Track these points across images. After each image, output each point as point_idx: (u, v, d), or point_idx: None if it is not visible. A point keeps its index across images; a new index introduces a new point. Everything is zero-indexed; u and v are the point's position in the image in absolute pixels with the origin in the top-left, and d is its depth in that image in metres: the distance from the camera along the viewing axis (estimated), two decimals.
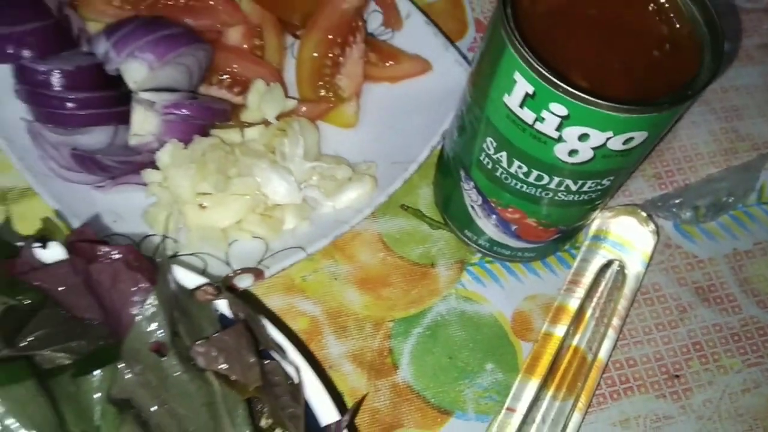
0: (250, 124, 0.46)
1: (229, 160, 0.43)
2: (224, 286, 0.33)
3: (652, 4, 0.36)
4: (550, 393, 0.41)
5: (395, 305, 0.44)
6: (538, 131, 0.34)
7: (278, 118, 0.46)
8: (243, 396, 0.31)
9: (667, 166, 0.50)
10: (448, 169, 0.43)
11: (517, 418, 0.40)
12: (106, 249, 0.30)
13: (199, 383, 0.31)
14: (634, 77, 0.34)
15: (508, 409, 0.41)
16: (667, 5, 0.35)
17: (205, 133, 0.44)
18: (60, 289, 0.32)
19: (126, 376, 0.30)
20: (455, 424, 0.41)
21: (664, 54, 0.35)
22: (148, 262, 0.30)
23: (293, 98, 0.47)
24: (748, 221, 0.48)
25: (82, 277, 0.31)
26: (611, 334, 0.43)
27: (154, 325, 0.30)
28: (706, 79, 0.33)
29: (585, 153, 0.34)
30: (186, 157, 0.42)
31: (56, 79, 0.42)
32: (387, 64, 0.49)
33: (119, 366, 0.30)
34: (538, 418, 0.40)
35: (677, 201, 0.47)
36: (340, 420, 0.32)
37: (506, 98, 0.34)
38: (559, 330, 0.42)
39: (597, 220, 0.46)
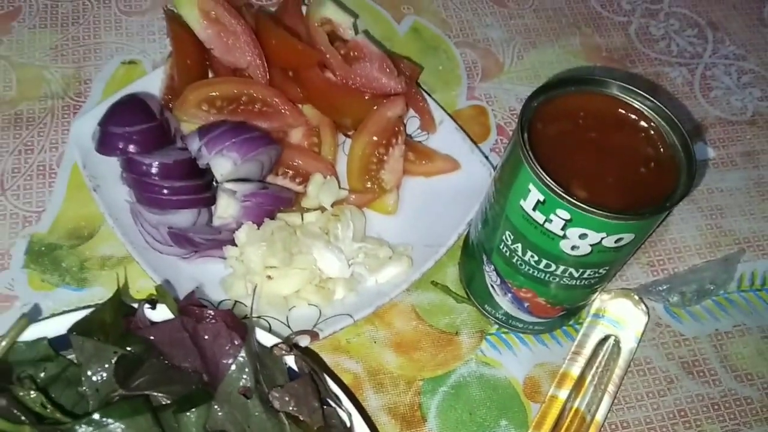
0: (309, 210, 0.55)
1: (292, 240, 0.52)
2: (292, 345, 0.41)
3: (641, 132, 0.45)
4: None
5: (425, 366, 0.52)
6: (547, 229, 0.42)
7: (332, 205, 0.55)
8: None
9: (659, 256, 0.59)
10: (472, 253, 0.52)
11: None
12: (211, 312, 0.38)
13: (275, 422, 0.39)
14: (624, 189, 0.43)
15: None
16: (652, 132, 0.44)
17: (273, 217, 0.53)
18: (164, 342, 0.41)
19: (218, 414, 0.38)
20: None
21: (649, 171, 0.44)
22: (241, 324, 0.39)
23: (344, 189, 0.56)
24: (728, 306, 0.56)
25: (188, 333, 0.39)
26: (607, 399, 0.50)
27: (243, 374, 0.38)
28: (682, 194, 0.42)
29: (584, 248, 0.42)
30: (258, 237, 0.51)
31: (156, 170, 0.51)
32: (423, 162, 0.58)
33: (213, 405, 0.39)
34: None
35: (666, 287, 0.55)
36: None
37: (522, 202, 0.43)
38: (563, 393, 0.50)
39: (597, 301, 0.54)
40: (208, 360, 0.39)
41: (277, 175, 0.57)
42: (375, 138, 0.57)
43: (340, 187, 0.56)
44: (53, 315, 0.42)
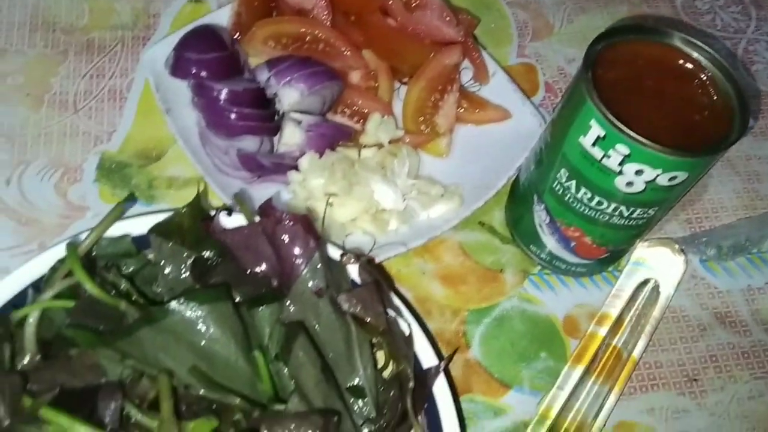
0: (366, 146, 0.58)
1: (351, 171, 0.54)
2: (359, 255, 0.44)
3: (696, 81, 0.47)
4: (591, 379, 0.51)
5: (470, 299, 0.55)
6: (604, 166, 0.45)
7: (389, 143, 0.57)
8: (371, 336, 0.42)
9: (697, 214, 0.61)
10: (521, 195, 0.55)
11: (564, 395, 0.50)
12: (289, 216, 0.41)
13: (342, 322, 0.41)
14: (679, 134, 0.45)
15: (557, 388, 0.51)
16: (708, 82, 0.47)
17: (333, 149, 0.56)
18: (239, 246, 0.44)
19: (290, 310, 0.41)
20: (514, 395, 0.51)
21: (703, 118, 0.46)
22: (315, 229, 0.42)
23: (400, 129, 0.59)
24: (761, 264, 0.59)
25: (266, 235, 0.42)
26: (644, 339, 0.53)
27: (316, 275, 0.41)
28: (734, 139, 0.44)
29: (638, 185, 0.45)
30: (320, 165, 0.54)
31: (226, 96, 0.54)
32: (475, 111, 0.61)
33: (286, 302, 0.41)
34: (581, 397, 0.50)
35: (704, 240, 0.57)
36: (438, 364, 0.43)
37: (581, 139, 0.45)
38: (602, 331, 0.53)
39: (638, 249, 0.56)
40: (283, 260, 0.42)
41: (336, 113, 0.59)
42: (432, 84, 0.60)
43: (396, 128, 0.58)
44: (135, 215, 0.44)
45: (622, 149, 0.43)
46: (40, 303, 0.36)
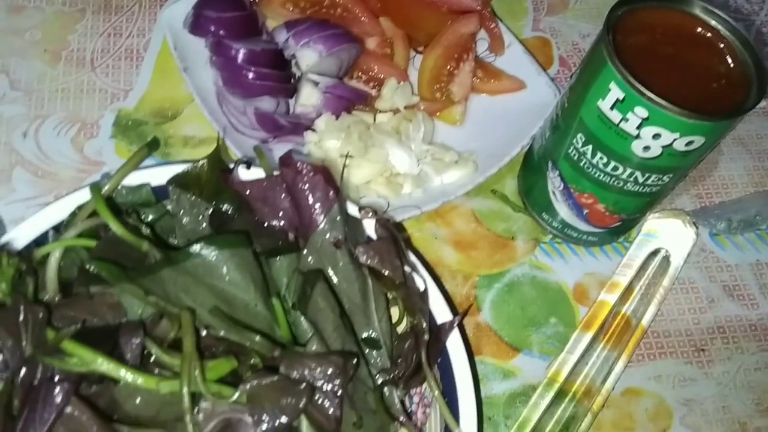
0: (382, 111, 0.58)
1: (366, 134, 0.55)
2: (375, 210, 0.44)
3: (715, 50, 0.47)
4: (600, 345, 0.51)
5: (481, 264, 0.55)
6: (621, 129, 0.45)
7: (404, 109, 0.58)
8: (387, 290, 0.42)
9: (707, 189, 0.61)
10: (534, 164, 0.55)
11: (572, 360, 0.51)
12: (310, 166, 0.41)
13: (358, 273, 0.42)
14: (696, 102, 0.45)
15: (566, 352, 0.51)
16: (726, 51, 0.47)
17: (349, 112, 0.56)
18: (258, 198, 0.44)
19: (308, 260, 0.41)
20: (523, 359, 0.52)
21: (720, 86, 0.46)
22: (335, 181, 0.42)
23: (416, 95, 0.59)
24: None
25: (286, 184, 0.42)
26: (653, 307, 0.53)
27: (335, 226, 0.41)
28: (751, 105, 0.45)
29: (655, 150, 0.45)
30: (336, 127, 0.54)
31: (244, 55, 0.54)
32: (490, 81, 0.61)
33: (303, 252, 0.42)
34: (590, 362, 0.51)
35: (715, 213, 0.58)
36: (452, 319, 0.43)
37: (600, 102, 0.45)
38: (611, 299, 0.53)
39: (649, 221, 0.57)
40: (302, 211, 0.42)
41: (352, 79, 0.59)
42: (448, 52, 0.60)
43: (412, 94, 0.59)
44: (154, 165, 0.45)
45: (641, 112, 0.43)
46: (62, 241, 0.37)
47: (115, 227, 0.37)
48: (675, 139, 0.44)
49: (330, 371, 0.34)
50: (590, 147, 0.48)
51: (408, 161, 0.55)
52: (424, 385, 0.44)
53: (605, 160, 0.48)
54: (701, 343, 0.54)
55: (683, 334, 0.54)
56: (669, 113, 0.42)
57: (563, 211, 0.54)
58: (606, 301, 0.53)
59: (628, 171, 0.47)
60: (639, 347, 0.53)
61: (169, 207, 0.45)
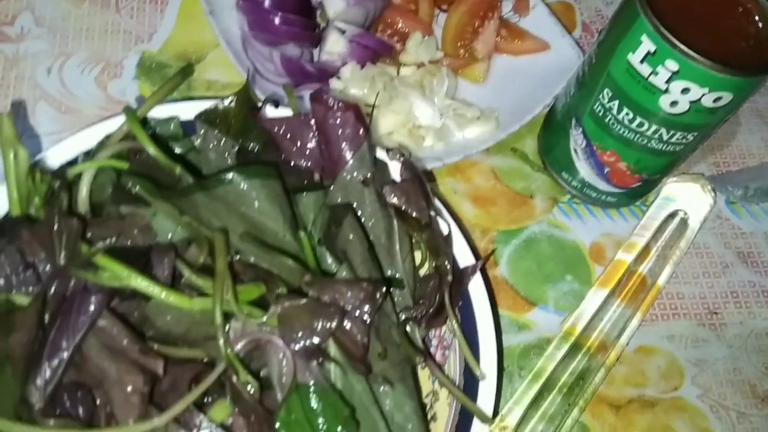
0: (405, 65, 0.58)
1: (390, 85, 0.55)
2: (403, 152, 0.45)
3: (744, 9, 0.47)
4: (615, 302, 0.52)
5: (499, 220, 0.55)
6: (650, 83, 0.45)
7: (428, 63, 0.58)
8: (414, 230, 0.42)
9: (725, 158, 0.62)
10: (557, 123, 0.55)
11: (588, 315, 0.51)
12: (341, 102, 0.41)
13: (384, 213, 0.42)
14: (725, 58, 0.45)
15: (582, 307, 0.51)
16: (755, 11, 0.47)
17: (374, 63, 0.56)
18: (285, 136, 0.44)
19: (336, 196, 0.41)
20: (538, 313, 0.52)
21: (748, 47, 0.46)
22: (365, 119, 0.42)
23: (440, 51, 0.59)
24: None
25: (316, 122, 0.42)
26: (669, 267, 0.53)
27: (363, 163, 0.41)
28: None
29: (683, 105, 0.45)
30: (361, 76, 0.54)
31: (271, 0, 0.54)
32: (514, 41, 0.61)
33: (331, 188, 0.42)
34: (605, 318, 0.51)
35: (732, 179, 0.58)
36: (475, 263, 0.43)
37: (630, 56, 0.46)
38: (628, 258, 0.53)
39: (667, 185, 0.57)
40: (331, 147, 0.42)
41: (376, 32, 0.59)
42: (473, 8, 0.60)
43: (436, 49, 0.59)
44: (182, 99, 0.45)
45: (671, 65, 0.43)
46: (95, 161, 0.37)
47: (150, 147, 0.37)
48: (703, 95, 0.44)
49: (361, 296, 0.34)
50: (616, 102, 0.48)
51: (431, 114, 0.55)
52: (444, 328, 0.44)
53: (631, 115, 0.48)
54: (714, 307, 0.54)
55: (697, 297, 0.55)
56: (700, 66, 0.43)
57: (584, 169, 0.54)
58: (623, 260, 0.53)
59: (654, 127, 0.48)
60: (653, 307, 0.53)
61: (196, 143, 0.45)
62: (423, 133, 0.55)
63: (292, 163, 0.44)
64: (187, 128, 0.44)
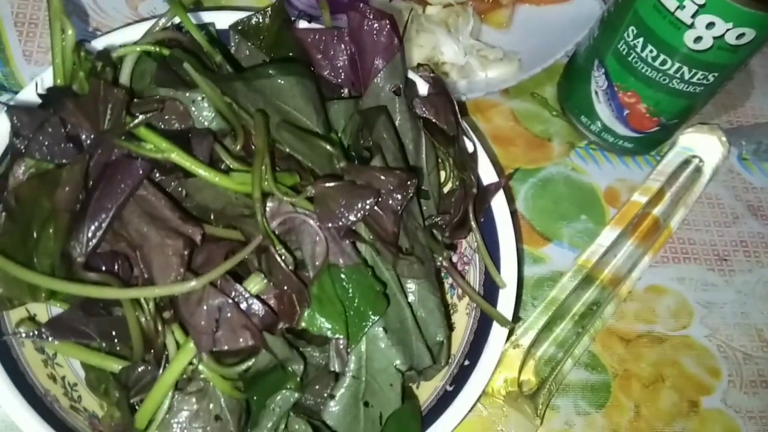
0: (431, 4, 0.59)
1: (417, 20, 0.56)
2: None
3: None
4: (629, 240, 0.53)
5: (517, 159, 0.56)
6: (676, 18, 0.46)
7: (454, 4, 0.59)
8: (441, 144, 0.43)
9: (738, 118, 0.63)
10: (578, 67, 0.56)
11: (601, 251, 0.52)
12: (378, 11, 0.42)
13: (413, 124, 0.42)
14: None
15: (596, 244, 0.52)
16: None
17: None
18: (317, 48, 0.45)
19: (367, 102, 0.42)
20: (553, 248, 0.53)
21: None
22: (398, 29, 0.43)
23: None
24: None
25: (350, 33, 0.43)
26: (681, 212, 0.54)
27: (396, 73, 0.42)
28: None
29: (707, 41, 0.46)
30: (389, 7, 0.55)
31: None
32: None
33: (364, 97, 0.42)
34: (618, 254, 0.52)
35: (746, 132, 0.59)
36: (499, 181, 0.44)
37: None
38: (642, 200, 0.54)
39: (683, 135, 0.58)
40: (365, 56, 0.42)
41: None
42: None
43: None
44: (215, 8, 0.45)
45: None
46: (139, 45, 0.37)
47: (195, 32, 0.37)
48: (728, 30, 0.45)
49: (395, 183, 0.35)
50: (641, 39, 0.49)
51: (455, 51, 0.56)
52: (464, 244, 0.45)
53: (655, 53, 0.49)
54: (724, 254, 0.55)
55: (707, 244, 0.56)
56: (726, 0, 0.44)
57: (604, 113, 0.55)
58: (637, 201, 0.55)
59: (676, 65, 0.49)
60: (665, 249, 0.54)
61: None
62: (447, 69, 0.56)
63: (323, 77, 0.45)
64: (222, 37, 0.45)
